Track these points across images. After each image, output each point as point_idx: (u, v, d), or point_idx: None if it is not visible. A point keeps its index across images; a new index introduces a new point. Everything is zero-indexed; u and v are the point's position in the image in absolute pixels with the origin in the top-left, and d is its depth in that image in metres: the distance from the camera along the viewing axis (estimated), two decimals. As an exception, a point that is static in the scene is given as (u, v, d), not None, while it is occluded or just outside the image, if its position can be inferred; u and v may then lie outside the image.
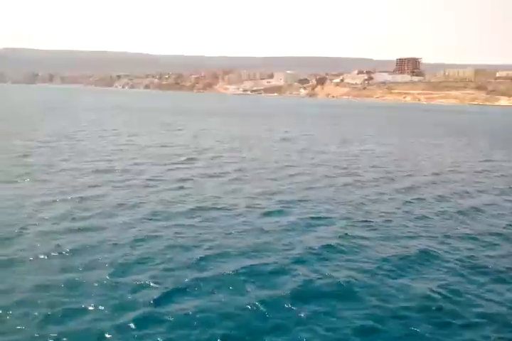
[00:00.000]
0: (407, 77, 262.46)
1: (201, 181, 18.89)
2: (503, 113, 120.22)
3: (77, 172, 19.47)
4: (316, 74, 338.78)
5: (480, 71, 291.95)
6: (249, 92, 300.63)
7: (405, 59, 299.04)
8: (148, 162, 22.97)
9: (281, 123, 55.66)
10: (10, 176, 17.84)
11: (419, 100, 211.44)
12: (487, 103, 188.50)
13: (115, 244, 10.96)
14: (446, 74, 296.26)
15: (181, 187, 17.44)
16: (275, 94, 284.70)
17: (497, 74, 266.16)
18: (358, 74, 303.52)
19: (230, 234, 12.18)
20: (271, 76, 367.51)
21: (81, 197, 15.15)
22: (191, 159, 24.39)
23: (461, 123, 67.12)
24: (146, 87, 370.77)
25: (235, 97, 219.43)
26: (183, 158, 24.42)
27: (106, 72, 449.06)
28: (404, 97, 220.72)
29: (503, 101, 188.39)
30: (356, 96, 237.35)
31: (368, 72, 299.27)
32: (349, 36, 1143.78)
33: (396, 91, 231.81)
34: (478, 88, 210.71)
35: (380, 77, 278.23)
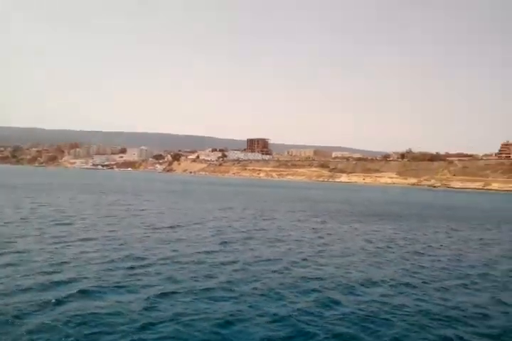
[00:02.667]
0: (258, 156, 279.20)
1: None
2: (345, 188, 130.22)
3: None
4: (170, 150, 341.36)
5: (318, 152, 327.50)
6: (99, 167, 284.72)
7: (255, 139, 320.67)
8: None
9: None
10: None
11: (271, 176, 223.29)
12: (330, 179, 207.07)
13: None
14: (291, 153, 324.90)
15: None
16: (129, 168, 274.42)
17: (333, 155, 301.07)
18: (211, 151, 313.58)
19: None
20: (123, 151, 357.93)
21: None
22: None
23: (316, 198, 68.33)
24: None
25: (83, 171, 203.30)
26: None
27: None
28: (258, 174, 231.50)
29: (344, 177, 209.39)
30: (213, 172, 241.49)
31: (221, 150, 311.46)
32: (199, 116, 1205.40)
33: (250, 168, 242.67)
34: (322, 166, 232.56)
35: (233, 154, 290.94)
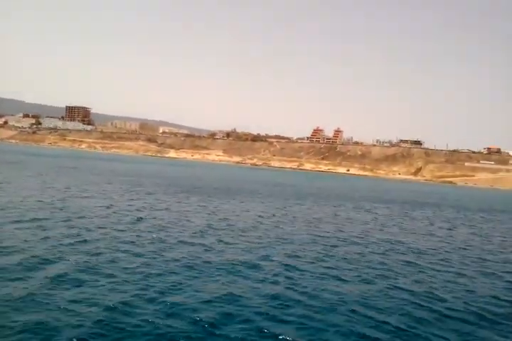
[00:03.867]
0: (79, 125, 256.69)
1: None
2: (176, 164, 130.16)
3: None
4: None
5: (144, 125, 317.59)
6: None
7: (75, 107, 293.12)
8: None
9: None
10: None
11: (95, 148, 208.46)
12: (159, 154, 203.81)
13: None
14: (115, 125, 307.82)
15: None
16: None
17: (160, 130, 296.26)
18: (23, 117, 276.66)
19: None
20: None
21: None
22: None
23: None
24: None
25: None
26: None
27: None
28: (80, 145, 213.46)
29: (172, 153, 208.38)
30: (25, 140, 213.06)
31: (34, 116, 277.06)
32: None
33: (70, 138, 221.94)
34: (149, 140, 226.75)
35: (49, 122, 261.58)
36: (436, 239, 24.17)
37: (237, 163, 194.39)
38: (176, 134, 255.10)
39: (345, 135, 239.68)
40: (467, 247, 22.15)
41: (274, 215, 27.73)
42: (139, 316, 9.38)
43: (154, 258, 14.14)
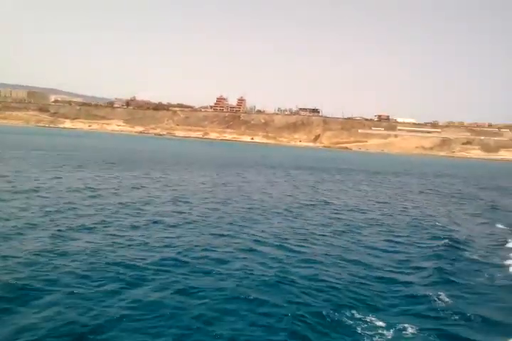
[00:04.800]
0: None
1: None
2: (75, 135, 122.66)
3: None
4: None
5: (33, 93, 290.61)
6: None
7: None
8: None
9: None
10: None
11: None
12: (52, 125, 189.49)
13: None
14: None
15: None
16: None
17: (52, 98, 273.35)
18: None
19: None
20: None
21: None
22: None
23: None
24: None
25: None
26: None
27: None
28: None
29: (68, 123, 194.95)
30: None
31: None
32: None
33: None
34: (40, 110, 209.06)
35: None
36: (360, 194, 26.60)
37: (140, 132, 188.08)
38: (70, 103, 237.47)
39: (249, 104, 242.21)
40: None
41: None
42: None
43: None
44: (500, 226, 20.57)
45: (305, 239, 15.00)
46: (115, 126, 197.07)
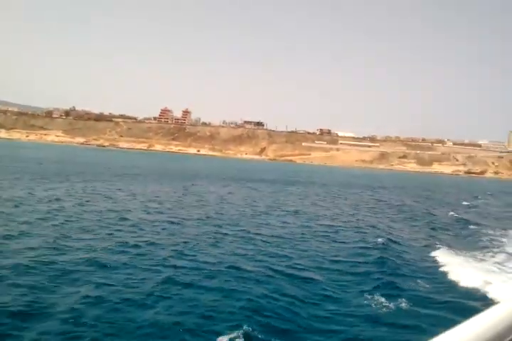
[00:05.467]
0: None
1: None
2: (12, 145, 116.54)
3: None
4: None
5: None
6: None
7: None
8: None
9: None
10: None
11: None
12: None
13: None
14: None
15: None
16: None
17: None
18: None
19: None
20: None
21: None
22: None
23: None
24: None
25: None
26: None
27: None
28: None
29: (3, 133, 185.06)
30: None
31: None
32: None
33: None
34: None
35: None
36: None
37: (81, 144, 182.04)
38: (5, 112, 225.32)
39: (194, 116, 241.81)
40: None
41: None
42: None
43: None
44: (427, 229, 23.11)
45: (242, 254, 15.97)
46: (54, 136, 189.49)
